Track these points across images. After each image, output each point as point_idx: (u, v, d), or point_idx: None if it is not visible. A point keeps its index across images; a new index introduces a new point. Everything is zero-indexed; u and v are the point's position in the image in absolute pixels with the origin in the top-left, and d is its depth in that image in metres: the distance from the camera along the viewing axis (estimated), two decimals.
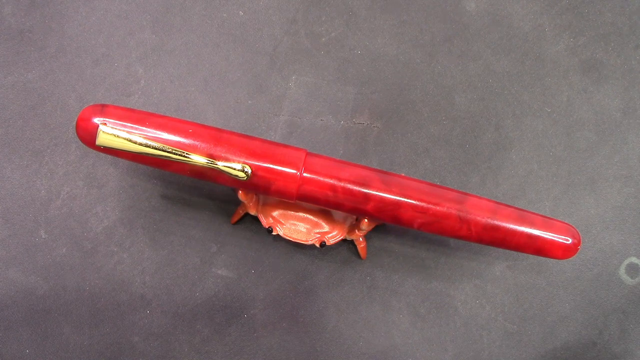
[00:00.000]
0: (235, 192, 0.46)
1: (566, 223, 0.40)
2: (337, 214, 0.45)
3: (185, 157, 0.37)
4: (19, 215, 0.47)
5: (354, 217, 0.45)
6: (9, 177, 0.48)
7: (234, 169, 0.38)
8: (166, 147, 0.37)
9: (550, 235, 0.39)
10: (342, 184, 0.39)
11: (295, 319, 0.47)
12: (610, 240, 0.49)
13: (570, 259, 0.47)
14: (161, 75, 0.49)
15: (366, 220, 0.42)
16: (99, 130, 0.37)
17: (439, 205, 0.39)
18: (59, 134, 0.48)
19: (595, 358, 0.48)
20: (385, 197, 0.39)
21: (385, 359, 0.47)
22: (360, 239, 0.46)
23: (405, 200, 0.39)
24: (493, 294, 0.48)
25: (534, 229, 0.39)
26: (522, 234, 0.39)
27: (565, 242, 0.39)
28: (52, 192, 0.48)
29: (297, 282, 0.48)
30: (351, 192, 0.39)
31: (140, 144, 0.37)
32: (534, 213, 0.40)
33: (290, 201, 0.41)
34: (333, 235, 0.44)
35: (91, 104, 0.45)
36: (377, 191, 0.39)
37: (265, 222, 0.44)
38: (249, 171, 0.38)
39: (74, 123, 0.48)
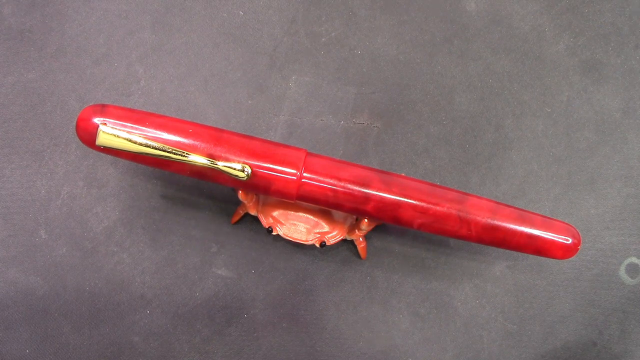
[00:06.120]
0: (235, 192, 0.46)
1: (566, 223, 0.40)
2: (337, 214, 0.45)
3: (185, 157, 0.37)
4: (19, 215, 0.47)
5: (354, 217, 0.45)
6: (9, 177, 0.48)
7: (234, 169, 0.38)
8: (166, 147, 0.37)
9: (550, 235, 0.39)
10: (342, 184, 0.39)
11: (295, 319, 0.47)
12: (610, 240, 0.49)
13: (570, 259, 0.47)
14: (161, 75, 0.49)
15: (366, 220, 0.42)
16: (99, 130, 0.37)
17: (439, 205, 0.39)
18: (59, 134, 0.48)
19: (595, 358, 0.48)
20: (385, 197, 0.39)
21: (385, 359, 0.47)
22: (360, 239, 0.46)
23: (405, 200, 0.39)
24: (493, 294, 0.48)
25: (534, 229, 0.39)
26: (522, 234, 0.39)
27: (565, 242, 0.39)
28: (52, 192, 0.48)
29: (297, 282, 0.48)
30: (351, 192, 0.39)
31: (140, 144, 0.37)
32: (534, 213, 0.40)
33: (290, 201, 0.41)
34: (333, 235, 0.44)
35: (91, 104, 0.45)
36: (377, 191, 0.39)
37: (265, 222, 0.44)
38: (249, 171, 0.38)
39: (74, 123, 0.48)
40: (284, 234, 0.44)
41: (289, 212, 0.44)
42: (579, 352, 0.48)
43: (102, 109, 0.38)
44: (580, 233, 0.40)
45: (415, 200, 0.39)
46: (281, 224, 0.44)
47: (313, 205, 0.41)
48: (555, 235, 0.39)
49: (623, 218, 0.49)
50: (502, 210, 0.39)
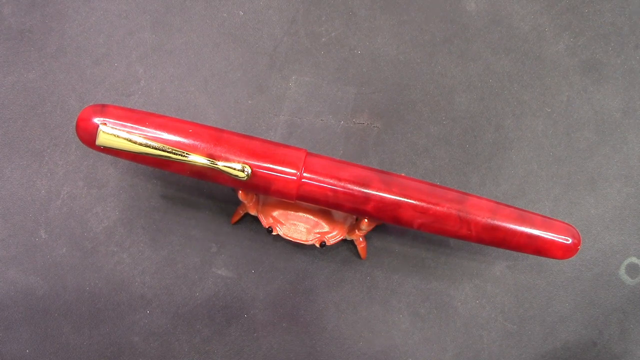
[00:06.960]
0: (235, 192, 0.46)
1: (566, 223, 0.40)
2: (337, 214, 0.45)
3: (185, 157, 0.37)
4: (19, 215, 0.47)
5: (354, 217, 0.45)
6: (9, 177, 0.48)
7: (234, 169, 0.38)
8: (166, 147, 0.37)
9: (550, 235, 0.39)
10: (342, 184, 0.39)
11: (295, 319, 0.47)
12: (610, 240, 0.49)
13: (570, 259, 0.47)
14: (161, 75, 0.49)
15: (366, 220, 0.42)
16: (99, 130, 0.37)
17: (439, 205, 0.39)
18: (59, 134, 0.48)
19: (595, 358, 0.48)
20: (385, 197, 0.39)
21: (385, 359, 0.47)
22: (360, 239, 0.46)
23: (405, 200, 0.39)
24: (493, 294, 0.48)
25: (534, 229, 0.39)
26: (522, 234, 0.39)
27: (565, 242, 0.39)
28: (52, 192, 0.48)
29: (297, 282, 0.48)
30: (351, 192, 0.39)
31: (140, 144, 0.37)
32: (534, 213, 0.40)
33: (290, 201, 0.41)
34: (333, 235, 0.44)
35: (91, 104, 0.45)
36: (377, 191, 0.39)
37: (265, 222, 0.44)
38: (249, 171, 0.38)
39: (74, 123, 0.48)
40: (284, 234, 0.44)
41: (289, 212, 0.44)
42: (579, 352, 0.48)
43: (102, 109, 0.38)
44: (580, 233, 0.40)
45: (415, 200, 0.39)
46: (281, 224, 0.44)
47: (313, 205, 0.41)
48: (555, 235, 0.39)
49: (623, 218, 0.49)
50: (502, 210, 0.39)
